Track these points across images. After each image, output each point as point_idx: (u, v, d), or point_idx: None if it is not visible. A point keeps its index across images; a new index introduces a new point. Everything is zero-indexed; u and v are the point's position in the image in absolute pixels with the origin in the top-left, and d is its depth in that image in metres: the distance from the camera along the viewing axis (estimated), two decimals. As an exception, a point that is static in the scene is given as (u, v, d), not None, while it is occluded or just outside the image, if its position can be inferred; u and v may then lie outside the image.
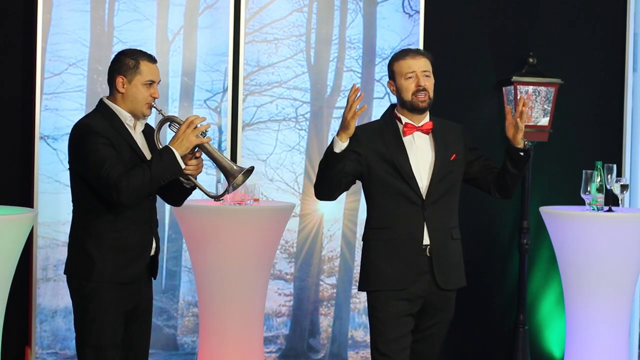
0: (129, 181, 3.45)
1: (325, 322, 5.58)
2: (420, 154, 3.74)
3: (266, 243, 4.76)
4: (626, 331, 4.97)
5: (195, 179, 3.67)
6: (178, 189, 3.74)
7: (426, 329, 3.77)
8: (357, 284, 3.96)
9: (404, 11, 5.64)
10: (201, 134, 3.55)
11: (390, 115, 3.81)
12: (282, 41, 5.47)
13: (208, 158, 3.63)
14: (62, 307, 5.09)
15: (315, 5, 5.51)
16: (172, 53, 5.27)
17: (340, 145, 3.57)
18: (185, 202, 4.03)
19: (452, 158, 3.76)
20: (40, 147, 5.04)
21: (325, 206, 5.48)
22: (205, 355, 4.78)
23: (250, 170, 3.59)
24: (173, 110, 5.25)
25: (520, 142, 3.69)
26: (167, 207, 5.20)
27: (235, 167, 3.56)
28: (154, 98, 3.63)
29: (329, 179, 3.66)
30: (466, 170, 3.83)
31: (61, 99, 5.10)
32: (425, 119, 3.78)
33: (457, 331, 5.77)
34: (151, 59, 3.65)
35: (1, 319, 3.92)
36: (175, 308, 5.29)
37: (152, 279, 3.78)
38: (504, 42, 5.94)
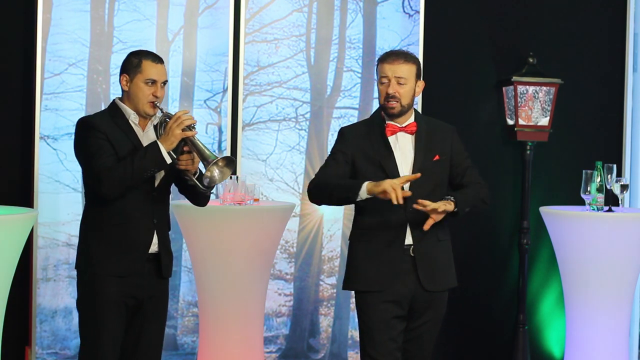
0: (110, 173, 3.55)
1: (325, 322, 5.57)
2: (403, 154, 3.75)
3: (266, 243, 4.75)
4: (626, 331, 4.96)
5: (194, 175, 3.69)
6: (191, 189, 3.78)
7: (415, 328, 3.77)
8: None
9: (404, 11, 5.64)
10: (189, 129, 3.61)
11: (378, 114, 3.84)
12: (282, 41, 5.47)
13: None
14: (62, 307, 5.09)
15: (315, 5, 5.51)
16: (172, 53, 5.26)
17: (365, 196, 3.64)
18: (185, 202, 4.03)
19: (434, 159, 3.75)
20: (40, 147, 5.03)
21: (325, 206, 5.47)
22: (205, 355, 4.78)
23: (229, 158, 3.61)
24: (173, 111, 5.23)
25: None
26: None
27: (212, 155, 3.60)
28: (156, 97, 3.68)
29: (329, 200, 3.78)
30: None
31: (61, 99, 5.09)
32: (410, 119, 3.78)
33: (457, 331, 5.78)
34: (155, 59, 3.72)
35: (1, 319, 3.91)
36: (175, 308, 5.29)
37: (168, 279, 3.81)
38: (504, 42, 5.93)
